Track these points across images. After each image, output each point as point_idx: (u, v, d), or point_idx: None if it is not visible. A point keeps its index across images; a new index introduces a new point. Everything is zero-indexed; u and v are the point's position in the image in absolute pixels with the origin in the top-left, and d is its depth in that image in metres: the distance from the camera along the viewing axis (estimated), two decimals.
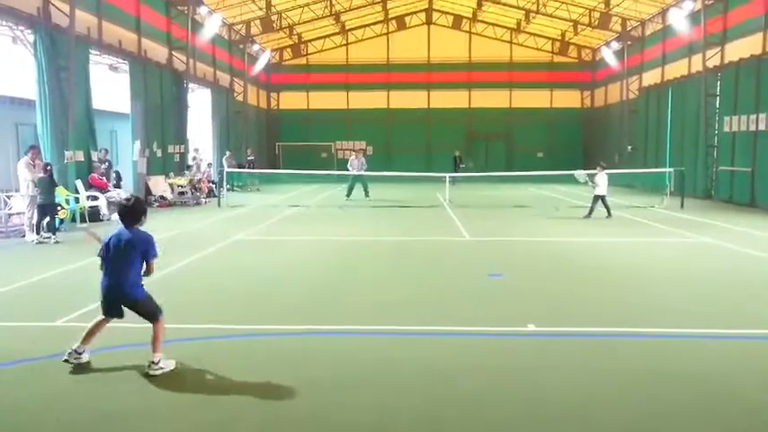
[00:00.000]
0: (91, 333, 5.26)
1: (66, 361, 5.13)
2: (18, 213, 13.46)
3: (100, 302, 5.28)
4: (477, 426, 4.13)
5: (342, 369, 5.13)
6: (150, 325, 5.20)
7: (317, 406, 4.42)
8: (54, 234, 11.95)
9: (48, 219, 12.06)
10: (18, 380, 4.92)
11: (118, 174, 18.29)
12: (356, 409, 4.36)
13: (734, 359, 5.45)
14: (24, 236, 12.30)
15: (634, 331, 6.24)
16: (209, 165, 25.69)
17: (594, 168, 16.55)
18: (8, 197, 13.71)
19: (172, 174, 22.13)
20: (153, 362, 5.03)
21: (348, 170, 22.56)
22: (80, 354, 5.18)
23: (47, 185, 11.88)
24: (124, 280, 5.09)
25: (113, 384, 4.81)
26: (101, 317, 5.32)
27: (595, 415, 4.30)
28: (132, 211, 5.19)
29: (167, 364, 5.09)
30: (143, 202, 5.44)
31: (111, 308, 5.24)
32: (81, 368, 5.13)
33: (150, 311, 5.20)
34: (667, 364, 5.30)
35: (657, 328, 6.38)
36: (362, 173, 22.09)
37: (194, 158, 24.88)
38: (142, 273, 5.19)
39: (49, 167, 12.03)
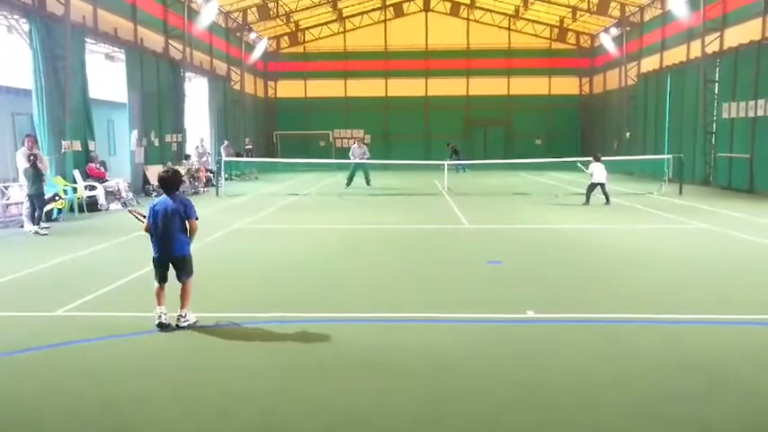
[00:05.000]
0: (159, 298, 5.89)
1: (159, 324, 5.75)
2: (16, 203, 13.42)
3: (153, 265, 5.96)
4: (477, 410, 4.15)
5: (342, 356, 5.15)
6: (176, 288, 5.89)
7: (317, 392, 4.44)
8: (37, 224, 11.74)
9: (45, 209, 11.97)
10: (22, 370, 4.93)
11: (104, 164, 18.14)
12: (357, 395, 4.39)
13: (733, 344, 5.48)
14: (23, 226, 12.28)
15: (633, 317, 6.25)
16: (208, 154, 25.61)
17: (590, 158, 16.93)
18: (5, 187, 13.68)
19: (169, 163, 22.04)
20: (182, 315, 5.82)
21: (350, 158, 22.45)
22: (163, 314, 5.79)
23: (31, 176, 11.76)
24: (175, 240, 5.86)
25: (117, 372, 4.83)
26: (157, 285, 5.92)
27: (596, 399, 4.32)
28: (171, 181, 5.99)
29: (191, 317, 5.89)
30: (179, 173, 6.30)
31: (163, 268, 5.92)
32: (84, 357, 5.15)
33: (190, 269, 6.01)
34: (667, 349, 5.32)
35: (656, 314, 6.40)
36: (364, 161, 22.00)
37: (197, 147, 24.83)
38: (187, 232, 5.96)
39: (32, 158, 11.83)
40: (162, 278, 5.94)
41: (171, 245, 5.86)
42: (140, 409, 4.19)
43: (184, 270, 5.95)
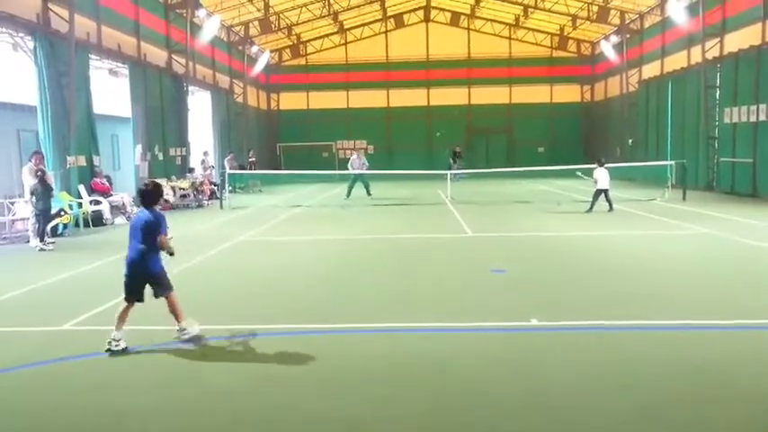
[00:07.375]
0: (121, 319, 5.66)
1: (108, 350, 5.50)
2: (22, 219, 13.50)
3: (124, 282, 5.76)
4: (483, 417, 4.17)
5: (347, 366, 5.17)
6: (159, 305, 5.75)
7: (323, 403, 4.46)
8: (42, 240, 11.79)
9: (51, 224, 12.02)
10: (29, 385, 4.96)
11: (108, 179, 18.23)
12: (362, 404, 4.41)
13: (735, 349, 5.48)
14: (29, 242, 12.35)
15: (636, 324, 6.26)
16: (212, 167, 25.75)
17: (594, 163, 16.76)
18: (11, 203, 13.77)
19: (174, 177, 22.19)
20: (180, 329, 5.71)
21: (349, 169, 22.55)
22: (118, 341, 5.55)
23: (39, 192, 11.84)
24: (145, 257, 5.67)
25: (125, 385, 4.86)
26: (124, 304, 5.70)
27: (598, 404, 4.33)
28: (149, 194, 5.88)
29: (193, 329, 5.76)
30: (159, 186, 6.10)
31: (133, 283, 5.71)
32: (92, 370, 5.19)
33: (165, 285, 5.79)
34: (669, 354, 5.32)
35: (660, 320, 6.40)
36: (363, 171, 22.08)
37: (203, 161, 25.00)
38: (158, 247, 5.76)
39: (39, 173, 11.87)
40: (129, 291, 5.71)
41: (140, 258, 5.67)
42: (147, 421, 4.22)
43: (160, 286, 5.76)
